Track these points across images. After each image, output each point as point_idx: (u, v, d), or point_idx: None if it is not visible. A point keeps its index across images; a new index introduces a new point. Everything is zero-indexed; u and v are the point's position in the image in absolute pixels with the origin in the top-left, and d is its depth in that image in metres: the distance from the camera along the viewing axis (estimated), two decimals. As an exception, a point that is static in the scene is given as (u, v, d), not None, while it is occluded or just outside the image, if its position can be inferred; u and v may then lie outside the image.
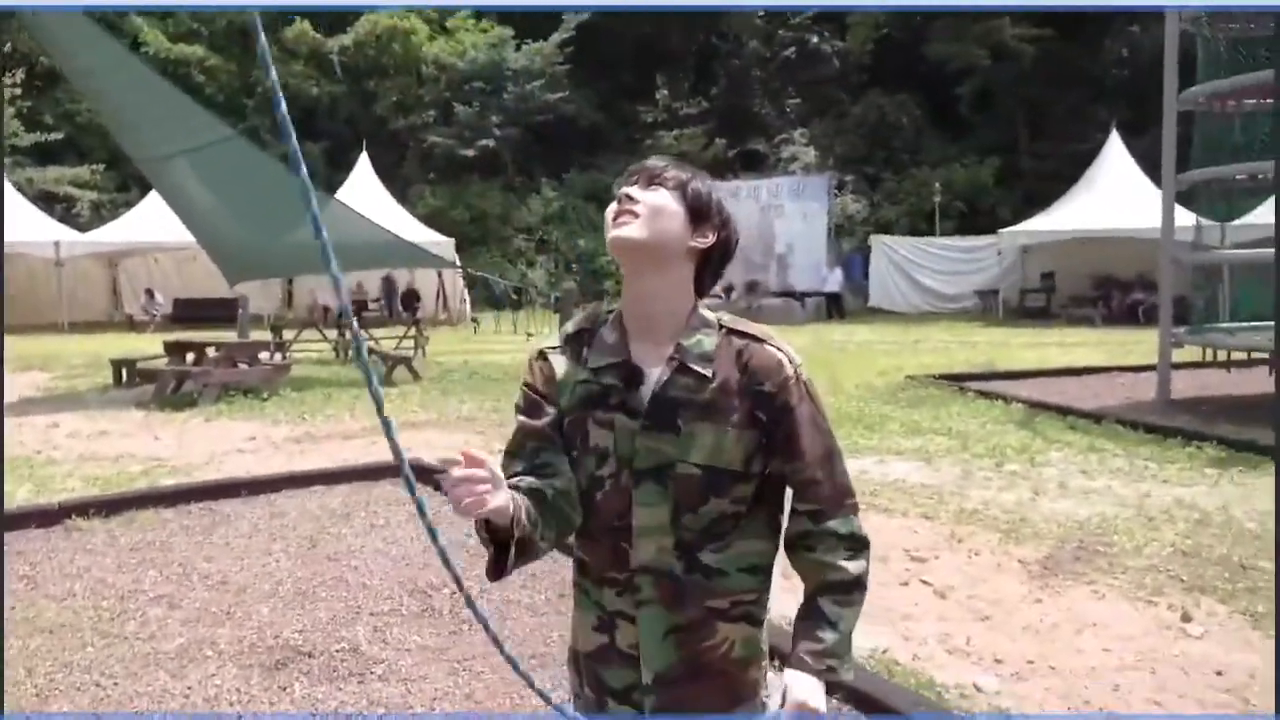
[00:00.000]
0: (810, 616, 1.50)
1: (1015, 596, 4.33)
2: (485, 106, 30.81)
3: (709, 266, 1.54)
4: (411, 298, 23.14)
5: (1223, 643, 3.79)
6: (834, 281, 24.19)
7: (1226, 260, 10.07)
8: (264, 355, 12.64)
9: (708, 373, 1.47)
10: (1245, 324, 10.90)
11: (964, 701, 3.28)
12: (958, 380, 10.85)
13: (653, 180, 1.50)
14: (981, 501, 5.97)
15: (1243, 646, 3.75)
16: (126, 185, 27.07)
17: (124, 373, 12.08)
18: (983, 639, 3.84)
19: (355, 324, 1.35)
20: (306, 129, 30.74)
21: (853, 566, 1.51)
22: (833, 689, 3.09)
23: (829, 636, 1.48)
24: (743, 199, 25.91)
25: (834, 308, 23.89)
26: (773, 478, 1.52)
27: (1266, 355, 9.77)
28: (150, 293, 23.19)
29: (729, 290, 24.53)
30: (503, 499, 1.33)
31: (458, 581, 1.38)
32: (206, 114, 11.85)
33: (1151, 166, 16.05)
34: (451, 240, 24.08)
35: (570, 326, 1.60)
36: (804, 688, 1.44)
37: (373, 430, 8.75)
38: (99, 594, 4.34)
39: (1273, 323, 10.99)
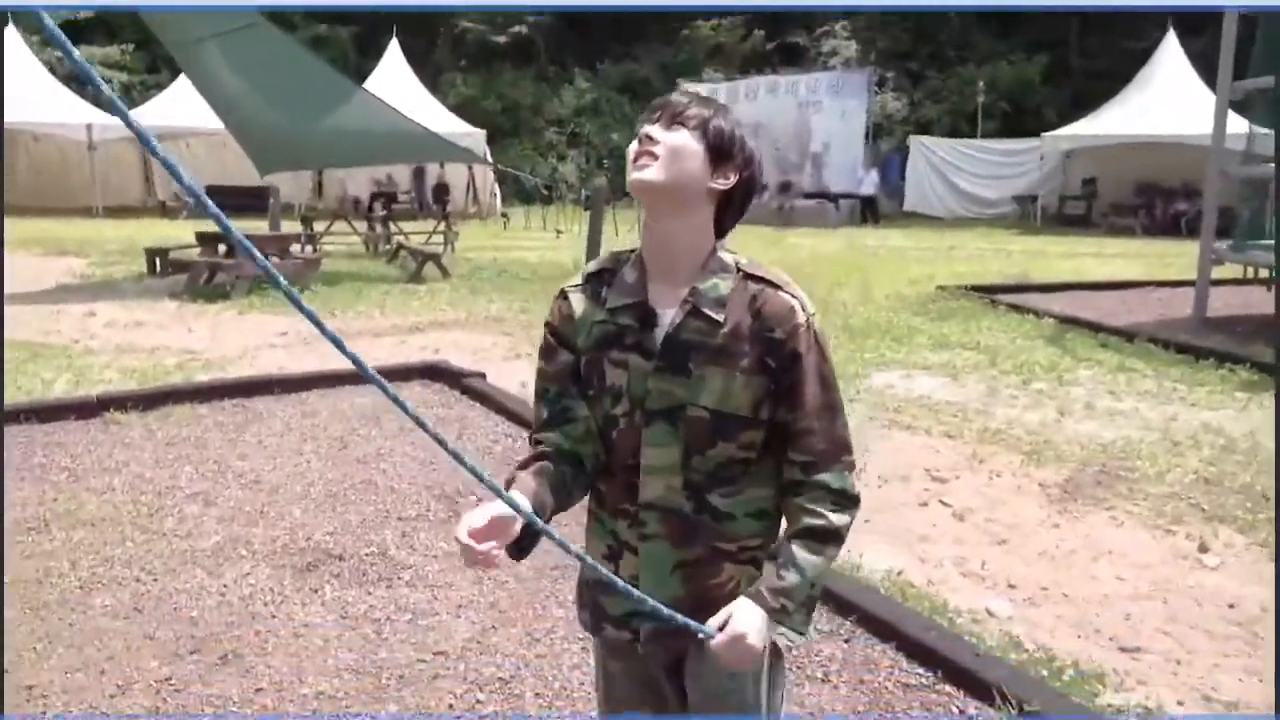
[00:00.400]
0: (779, 555, 1.51)
1: (1033, 520, 4.36)
2: (518, -9, 29.93)
3: (730, 207, 1.53)
4: (442, 191, 22.96)
5: (1238, 574, 3.83)
6: (869, 184, 23.74)
7: (1276, 175, 9.73)
8: (295, 248, 12.71)
9: (720, 317, 1.48)
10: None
11: (975, 626, 3.34)
12: (989, 292, 10.71)
13: (674, 119, 1.48)
14: (1006, 421, 5.97)
15: (1257, 579, 3.78)
16: (157, 66, 26.78)
17: (158, 262, 12.21)
18: (998, 563, 3.90)
19: (250, 245, 1.13)
20: (336, 14, 30.11)
21: (835, 518, 1.51)
22: (847, 610, 3.18)
23: (790, 578, 1.48)
24: (780, 95, 25.29)
25: (869, 211, 23.50)
26: (780, 425, 1.53)
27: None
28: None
29: (762, 189, 24.16)
30: (510, 535, 1.41)
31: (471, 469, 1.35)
32: (233, -3, 11.64)
33: (1208, 69, 15.40)
34: (483, 132, 23.78)
35: (593, 265, 1.61)
36: (747, 619, 1.44)
37: (403, 329, 8.85)
38: (137, 489, 4.49)
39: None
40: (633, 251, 1.57)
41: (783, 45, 30.05)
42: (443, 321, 9.21)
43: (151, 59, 27.16)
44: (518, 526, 1.41)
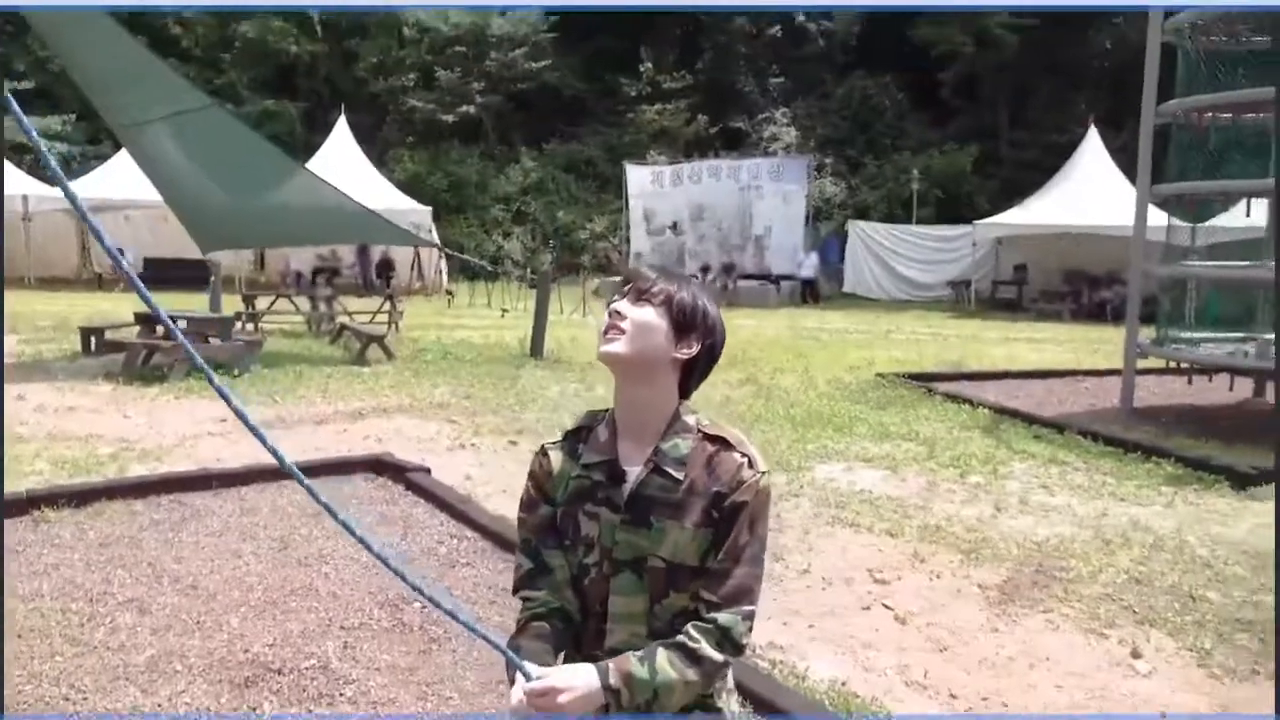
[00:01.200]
0: (644, 652, 1.56)
1: (973, 625, 4.44)
2: (467, 72, 30.45)
3: (694, 373, 1.69)
4: (386, 267, 23.00)
5: (1169, 681, 3.93)
6: (810, 266, 24.31)
7: (1196, 275, 10.22)
8: (236, 327, 12.57)
9: (680, 475, 1.61)
10: (1209, 334, 11.13)
11: (918, 740, 3.38)
12: (927, 380, 10.99)
13: (641, 295, 1.64)
14: (945, 517, 6.09)
15: (1186, 687, 3.89)
16: (98, 138, 26.54)
17: (93, 341, 11.96)
18: (940, 671, 3.96)
19: (182, 337, 1.45)
20: (285, 87, 30.31)
21: (711, 652, 1.56)
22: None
23: (641, 671, 1.53)
24: (723, 178, 25.93)
25: (809, 292, 24.02)
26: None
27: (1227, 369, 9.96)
28: (120, 251, 22.81)
29: (705, 270, 24.59)
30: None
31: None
32: (183, 80, 11.68)
33: (1128, 161, 16.23)
34: (428, 209, 23.90)
35: (572, 423, 1.78)
36: (574, 678, 1.51)
37: (346, 415, 8.77)
38: (68, 595, 4.35)
39: (1233, 334, 11.26)
40: (606, 411, 1.72)
41: (725, 129, 30.90)
42: (386, 407, 9.15)
43: (94, 130, 26.91)
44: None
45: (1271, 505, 6.65)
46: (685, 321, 1.63)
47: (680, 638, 1.56)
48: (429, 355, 12.59)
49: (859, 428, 8.66)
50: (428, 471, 6.35)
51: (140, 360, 10.56)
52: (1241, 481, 7.05)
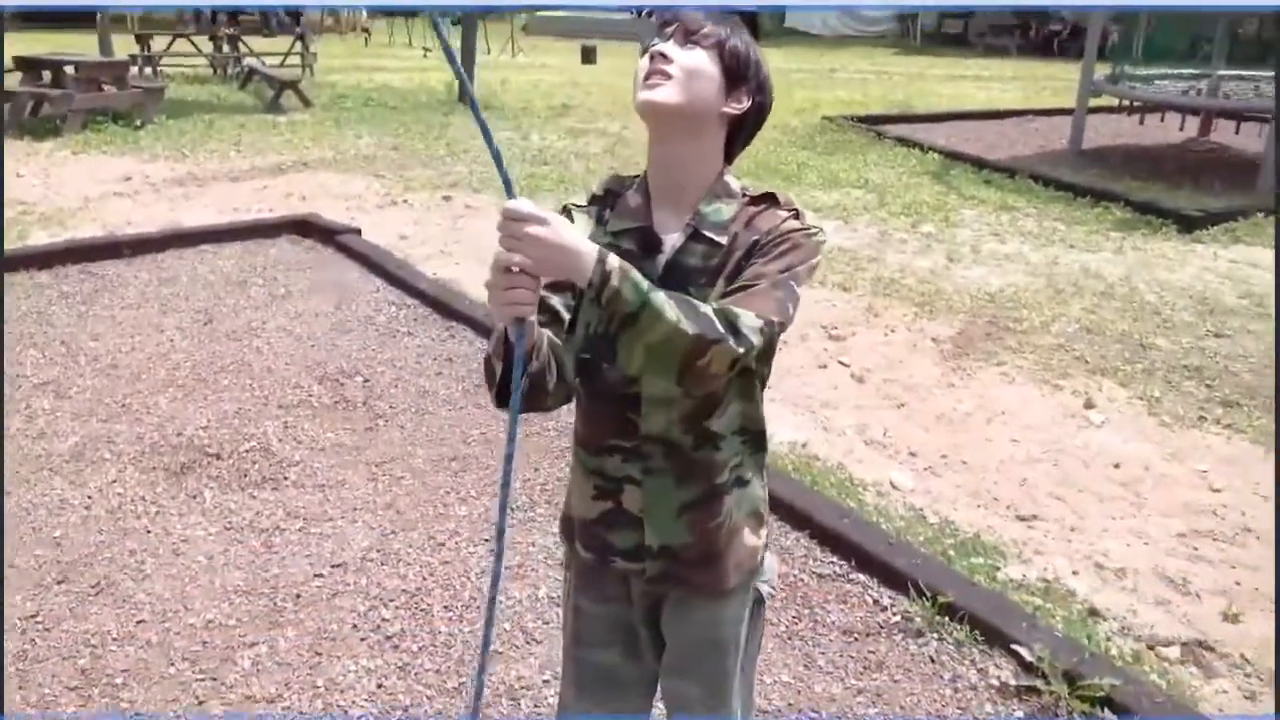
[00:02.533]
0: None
1: (929, 380, 4.41)
2: None
3: (741, 133, 1.44)
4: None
5: (1121, 431, 3.97)
6: (751, -2, 22.87)
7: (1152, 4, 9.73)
8: (133, 73, 11.46)
9: (721, 240, 1.38)
10: (1162, 71, 10.82)
11: (881, 500, 3.37)
12: (875, 123, 10.60)
13: (689, 37, 1.37)
14: (898, 268, 5.97)
15: (1138, 435, 3.93)
16: None
17: (-28, 89, 10.81)
18: (898, 429, 3.93)
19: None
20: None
21: (714, 319, 1.26)
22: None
23: (640, 279, 1.24)
24: (658, -103, 23.78)
25: (750, 27, 22.76)
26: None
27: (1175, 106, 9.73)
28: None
29: (640, 9, 23.04)
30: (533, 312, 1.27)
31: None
32: None
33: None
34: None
35: (597, 187, 1.52)
36: (568, 226, 1.22)
37: (265, 170, 8.17)
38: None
39: (1184, 71, 10.96)
40: (636, 177, 1.48)
41: None
42: (308, 161, 8.53)
43: None
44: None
45: (1214, 250, 6.67)
46: (739, 71, 1.38)
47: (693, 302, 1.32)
48: (349, 102, 11.71)
49: (808, 175, 8.37)
50: (358, 233, 5.96)
51: (27, 111, 9.61)
52: (1188, 225, 7.02)
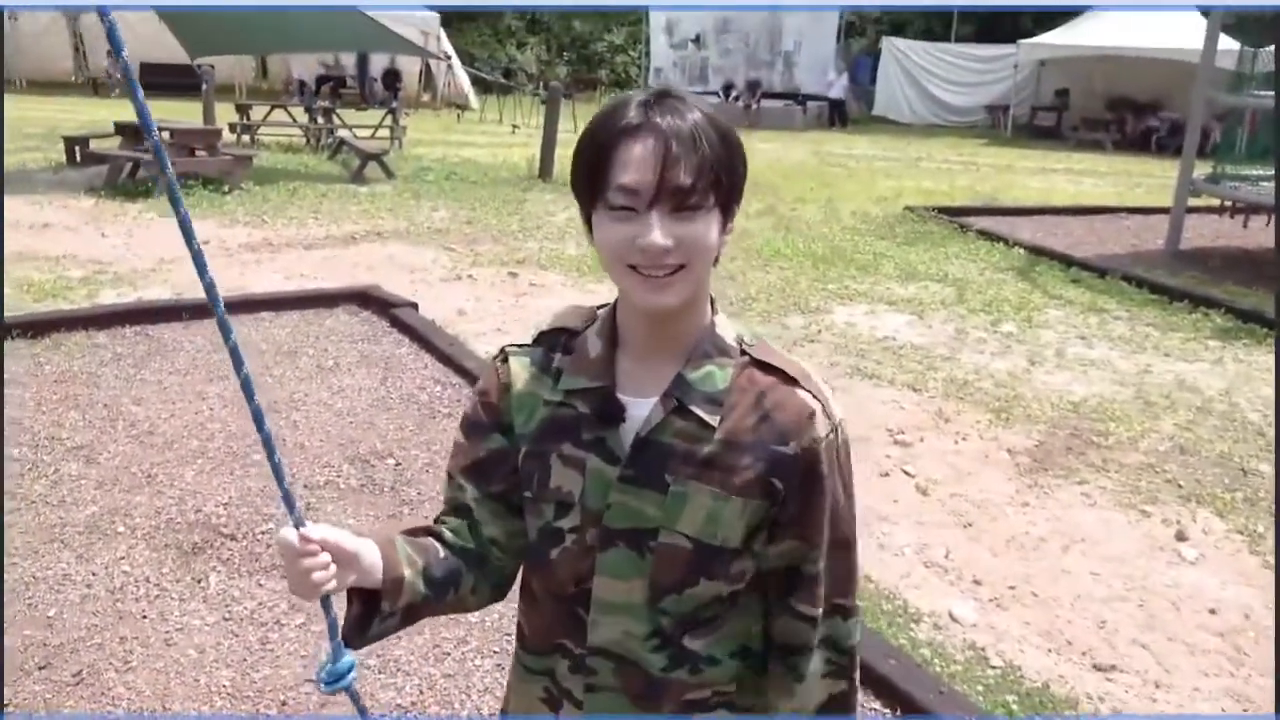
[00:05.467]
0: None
1: (1001, 497, 4.05)
2: None
3: (724, 243, 1.11)
4: (392, 78, 21.79)
5: (1218, 571, 3.55)
6: (839, 87, 22.92)
7: (1262, 106, 9.30)
8: (229, 138, 11.87)
9: (713, 419, 1.09)
10: (1265, 172, 10.31)
11: (937, 634, 3.03)
12: (959, 215, 10.29)
13: (682, 203, 1.01)
14: (974, 370, 5.62)
15: (1238, 578, 3.50)
16: (83, -71, 24.83)
17: (77, 151, 11.32)
18: (963, 552, 3.58)
19: (167, 162, 1.03)
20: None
21: (833, 685, 1.17)
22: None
23: None
24: (751, -10, 24.20)
25: (837, 114, 22.76)
26: (776, 559, 1.14)
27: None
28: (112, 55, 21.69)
29: (728, 89, 23.30)
30: (352, 576, 1.06)
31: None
32: None
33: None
34: (437, 15, 22.44)
35: (548, 321, 1.20)
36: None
37: (338, 239, 8.25)
38: (13, 439, 3.99)
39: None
40: (599, 309, 1.17)
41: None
42: (381, 231, 8.60)
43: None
44: (350, 576, 1.06)
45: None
46: (735, 197, 1.07)
47: (811, 690, 1.16)
48: (431, 175, 11.90)
49: (884, 266, 8.09)
50: (415, 307, 5.88)
51: (124, 174, 9.97)
52: (1296, 337, 6.52)
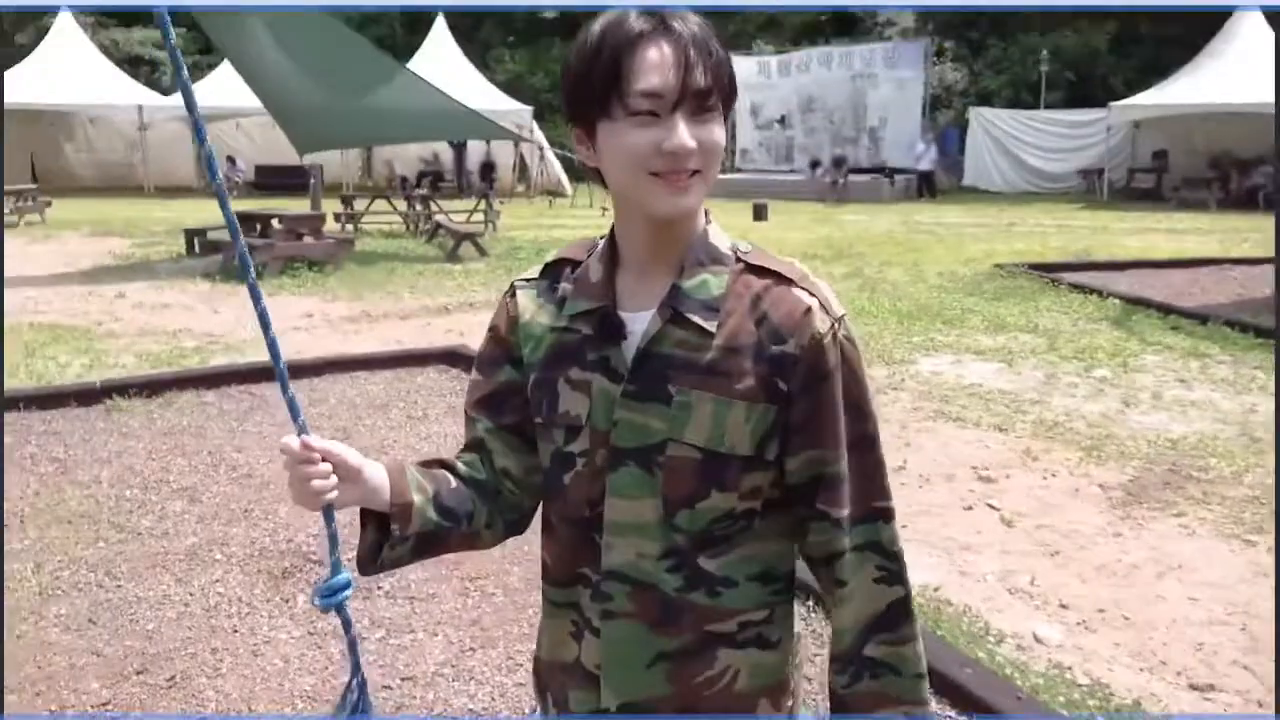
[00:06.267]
0: (856, 665, 1.15)
1: (1091, 528, 3.91)
2: (568, -34, 29.49)
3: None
4: (488, 169, 22.73)
5: (1329, 596, 3.34)
6: (927, 159, 22.89)
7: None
8: (334, 227, 12.54)
9: (711, 325, 1.09)
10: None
11: (1020, 655, 2.93)
12: (1050, 270, 10.11)
13: (702, 105, 1.05)
14: (1064, 412, 5.48)
15: (1353, 602, 3.30)
16: (209, 48, 26.87)
17: (195, 242, 12.11)
18: (1049, 578, 3.46)
19: (243, 244, 1.24)
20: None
21: (888, 592, 1.13)
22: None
23: (895, 682, 1.14)
24: (834, 67, 24.63)
25: (926, 186, 22.69)
26: (797, 468, 1.13)
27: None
28: (232, 159, 23.25)
29: (815, 165, 23.53)
30: (356, 493, 1.15)
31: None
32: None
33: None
34: (529, 109, 23.43)
35: (553, 253, 1.24)
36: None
37: (432, 310, 8.58)
38: (124, 482, 4.25)
39: None
40: (600, 238, 1.20)
41: (837, 16, 29.19)
42: (473, 303, 8.91)
43: (205, 41, 27.24)
44: (356, 491, 1.15)
45: None
46: (732, 103, 1.10)
47: (858, 610, 1.14)
48: (522, 253, 12.30)
49: (971, 320, 7.99)
50: (501, 362, 6.06)
51: (236, 259, 10.59)
52: None
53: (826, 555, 1.14)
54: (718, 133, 1.06)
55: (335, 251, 10.73)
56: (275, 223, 10.83)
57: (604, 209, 18.87)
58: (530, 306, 1.20)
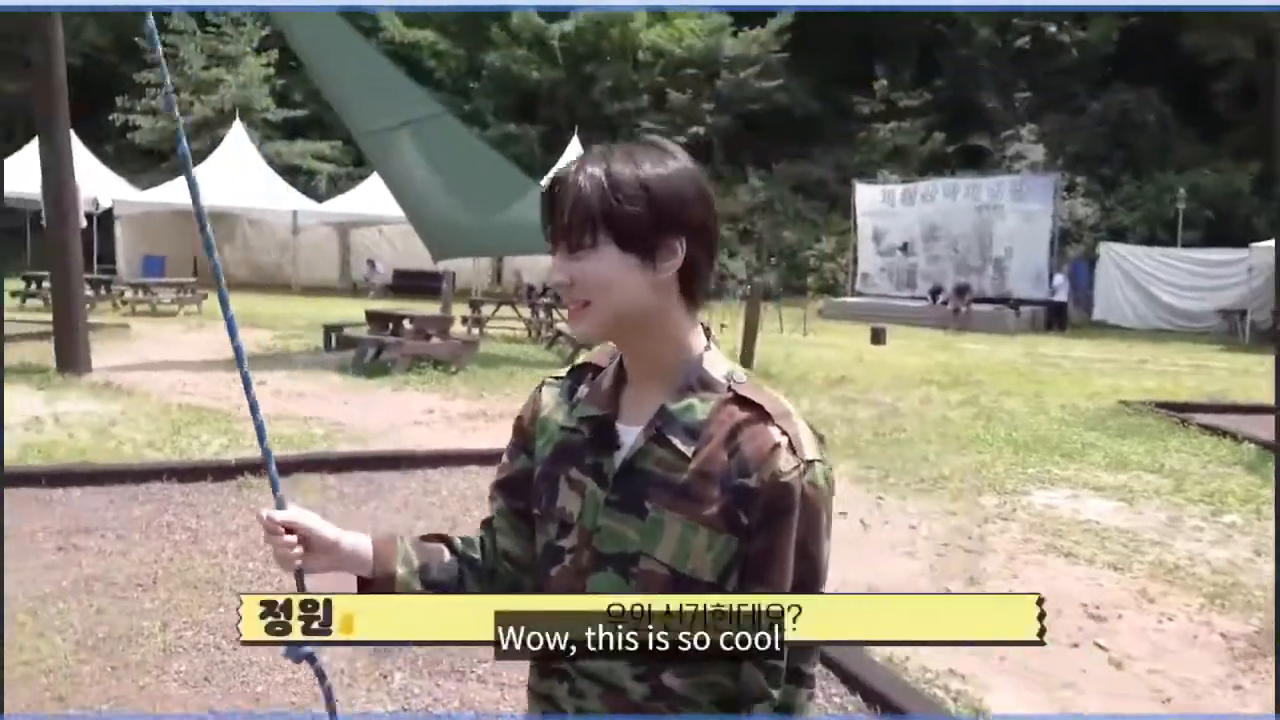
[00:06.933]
0: None
1: (1209, 678, 3.71)
2: (698, 94, 30.77)
3: (696, 280, 1.19)
4: (610, 281, 23.42)
5: None
6: (1063, 290, 22.43)
7: None
8: (460, 329, 13.13)
9: (688, 449, 1.16)
10: None
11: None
12: (1181, 410, 9.73)
13: (575, 243, 1.14)
14: (1187, 555, 5.24)
15: None
16: (361, 160, 28.93)
17: (333, 337, 12.85)
18: (1159, 725, 3.31)
19: (247, 372, 1.49)
20: (526, 113, 31.88)
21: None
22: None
23: None
24: (959, 197, 24.69)
25: (1055, 319, 22.20)
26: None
27: None
28: (371, 263, 24.70)
29: (936, 293, 23.41)
30: (328, 561, 1.33)
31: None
32: (421, 90, 12.42)
33: None
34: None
35: (583, 356, 1.35)
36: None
37: (544, 412, 8.82)
38: (249, 554, 4.51)
39: None
40: None
41: (963, 147, 29.40)
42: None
43: (358, 153, 29.35)
44: (342, 560, 1.32)
45: None
46: (644, 233, 1.13)
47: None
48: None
49: (1092, 455, 7.74)
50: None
51: (369, 356, 11.20)
52: None
53: (751, 694, 1.15)
54: (591, 267, 1.13)
55: (460, 352, 11.22)
56: (406, 323, 11.42)
57: (722, 325, 19.16)
58: (550, 403, 1.30)
